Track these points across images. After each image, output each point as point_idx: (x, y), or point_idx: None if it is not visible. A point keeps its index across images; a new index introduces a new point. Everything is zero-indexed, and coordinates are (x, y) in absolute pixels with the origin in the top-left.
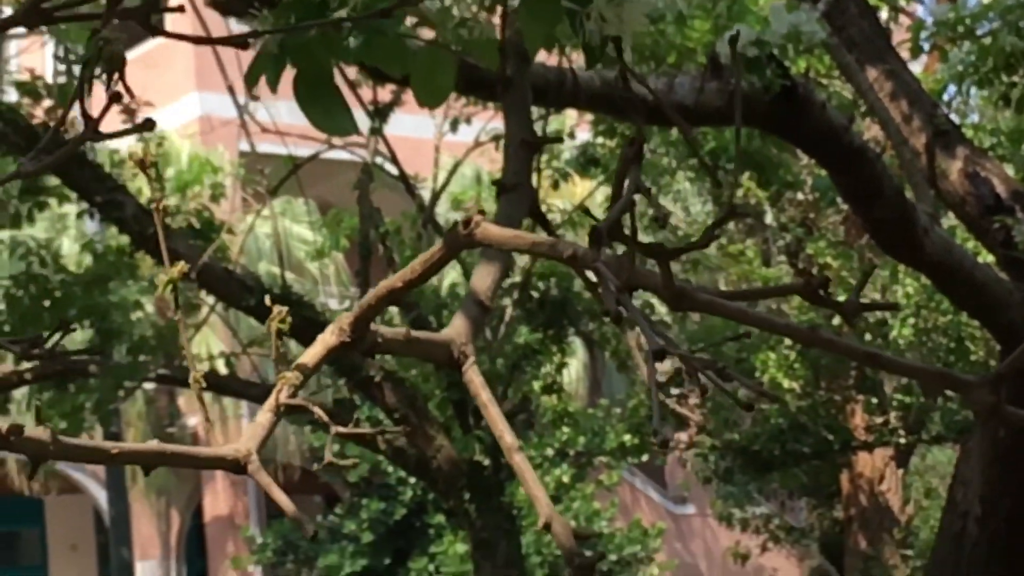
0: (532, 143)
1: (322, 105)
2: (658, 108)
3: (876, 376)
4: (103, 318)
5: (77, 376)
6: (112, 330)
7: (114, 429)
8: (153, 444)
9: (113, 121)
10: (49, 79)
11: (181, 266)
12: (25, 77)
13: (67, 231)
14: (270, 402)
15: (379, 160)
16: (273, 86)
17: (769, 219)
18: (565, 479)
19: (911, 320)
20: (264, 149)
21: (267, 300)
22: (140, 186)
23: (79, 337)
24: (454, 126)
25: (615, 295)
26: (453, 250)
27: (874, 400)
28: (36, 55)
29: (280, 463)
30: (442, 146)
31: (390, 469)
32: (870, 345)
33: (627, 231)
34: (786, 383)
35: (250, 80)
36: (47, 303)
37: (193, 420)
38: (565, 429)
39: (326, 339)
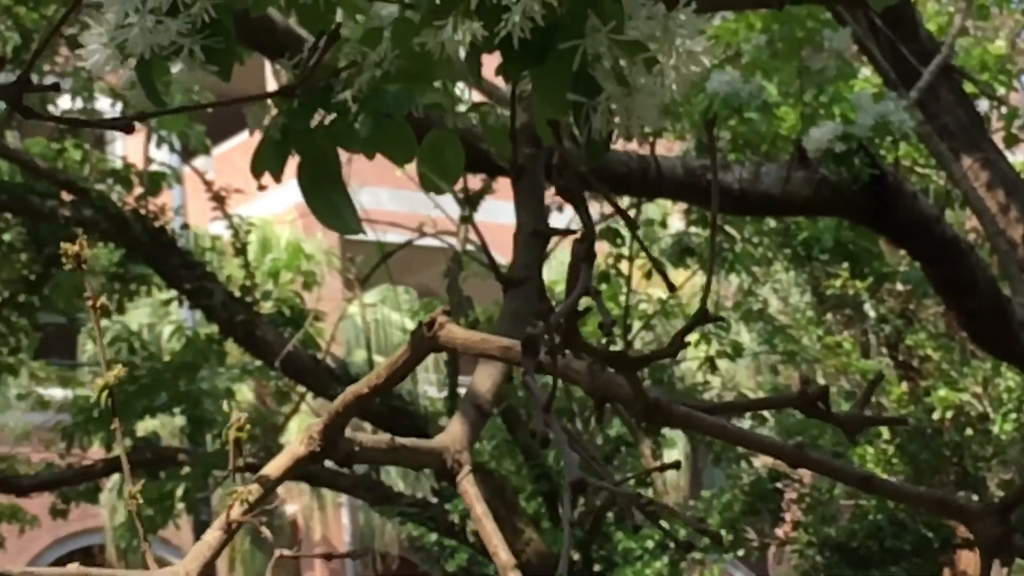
0: (544, 233)
1: (327, 199)
2: (745, 197)
3: (978, 472)
4: (194, 406)
5: (167, 464)
6: (203, 418)
7: (204, 517)
8: (73, 569)
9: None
10: (140, 166)
11: (119, 370)
12: (118, 164)
13: (169, 317)
14: (221, 520)
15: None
16: (277, 176)
17: (868, 310)
18: (665, 573)
19: (1013, 415)
20: (363, 235)
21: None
22: (230, 273)
23: (170, 424)
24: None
25: (542, 416)
26: (418, 353)
27: (976, 497)
28: (131, 142)
29: (378, 552)
30: None
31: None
32: (971, 441)
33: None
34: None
35: (255, 170)
36: (137, 389)
37: (292, 508)
38: (663, 522)
39: (294, 449)
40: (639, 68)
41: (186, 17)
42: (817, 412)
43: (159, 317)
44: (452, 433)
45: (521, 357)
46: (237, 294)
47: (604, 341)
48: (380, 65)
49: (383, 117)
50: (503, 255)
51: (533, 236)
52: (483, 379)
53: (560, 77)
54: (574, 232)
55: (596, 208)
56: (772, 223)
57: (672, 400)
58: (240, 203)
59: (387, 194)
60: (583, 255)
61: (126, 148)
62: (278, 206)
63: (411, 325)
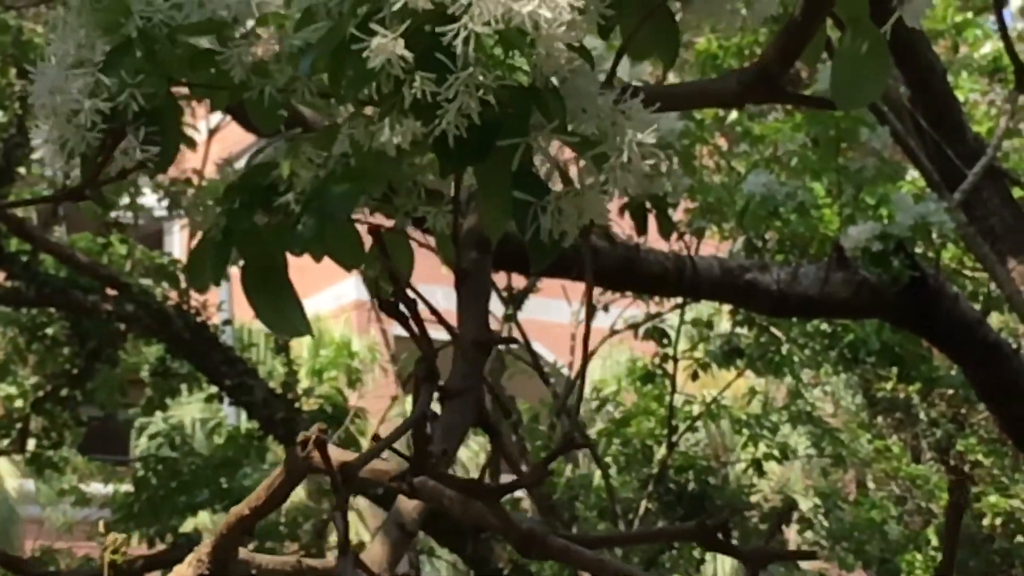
0: (487, 343)
1: (272, 301)
2: (783, 298)
3: None
4: (236, 503)
5: None
6: None
7: None
8: None
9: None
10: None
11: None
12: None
13: (220, 412)
14: None
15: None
16: (217, 279)
17: (920, 414)
18: None
19: None
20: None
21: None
22: (272, 369)
23: (211, 522)
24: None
25: (343, 556)
26: (294, 476)
27: None
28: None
29: None
30: (580, 333)
31: None
32: (1021, 548)
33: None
34: None
35: (192, 273)
36: (178, 486)
37: None
38: None
39: (181, 571)
40: (588, 165)
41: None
42: (716, 545)
43: (212, 412)
44: (372, 554)
45: (388, 481)
46: (279, 391)
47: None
48: (325, 165)
49: (327, 219)
50: (550, 350)
51: (475, 345)
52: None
53: (503, 176)
54: (516, 341)
55: (642, 307)
56: (821, 325)
57: (551, 531)
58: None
59: (441, 292)
60: (424, 375)
61: (180, 245)
62: (335, 303)
63: None
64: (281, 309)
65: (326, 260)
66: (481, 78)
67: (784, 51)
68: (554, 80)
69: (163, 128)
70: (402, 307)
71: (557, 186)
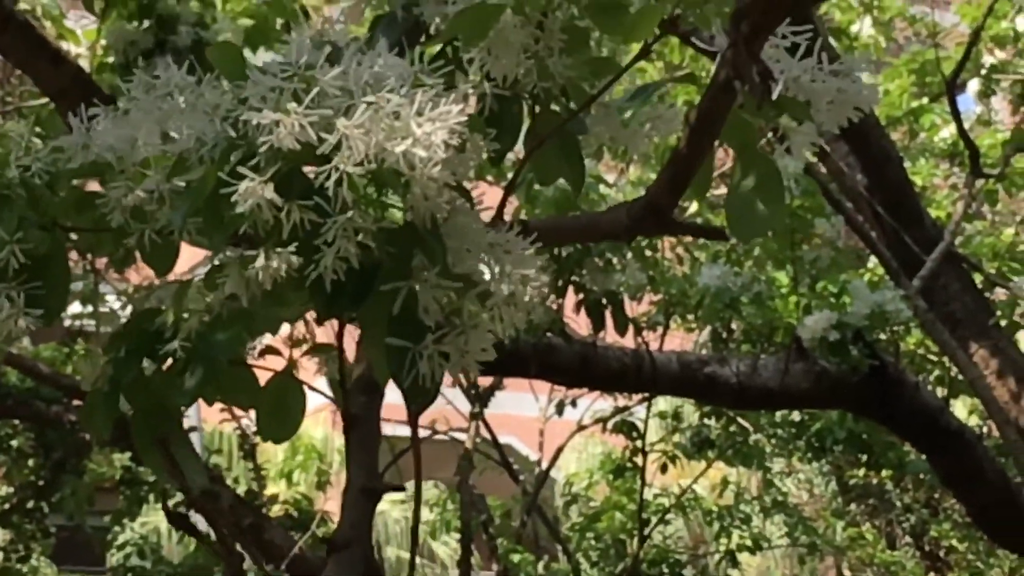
0: (375, 491)
1: (166, 451)
2: (743, 391)
3: None
4: None
5: None
6: None
7: None
8: None
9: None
10: None
11: None
12: None
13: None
14: None
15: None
16: (106, 432)
17: (894, 500)
18: None
19: None
20: (390, 431)
21: None
22: (239, 474)
23: None
24: (559, 409)
25: None
26: None
27: None
28: None
29: None
30: (548, 428)
31: None
32: None
33: None
34: None
35: (88, 427)
36: None
37: None
38: None
39: None
40: (472, 303)
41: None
42: None
43: None
44: None
45: None
46: (247, 495)
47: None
48: (209, 310)
49: (213, 364)
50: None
51: (363, 493)
52: None
53: (384, 319)
54: (401, 488)
55: (610, 402)
56: (789, 414)
57: None
58: None
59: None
60: None
61: None
62: (309, 402)
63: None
64: (175, 460)
65: (308, 363)
66: (360, 221)
67: (672, 184)
68: (441, 214)
69: (49, 277)
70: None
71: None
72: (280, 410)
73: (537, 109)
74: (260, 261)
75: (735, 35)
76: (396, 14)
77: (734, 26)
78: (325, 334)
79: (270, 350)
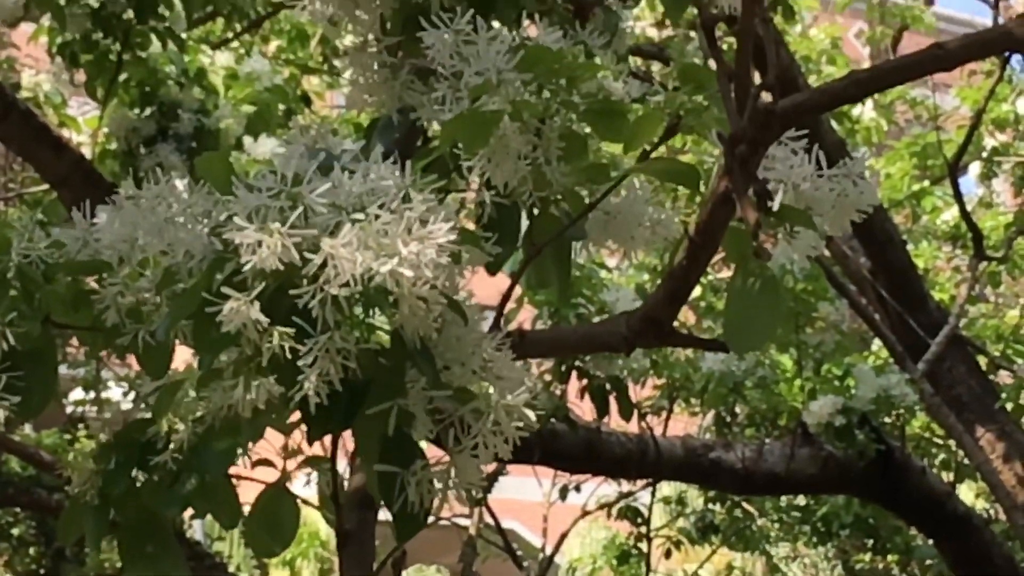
0: None
1: (155, 565)
2: (749, 476)
3: None
4: None
5: None
6: None
7: None
8: None
9: None
10: None
11: None
12: None
13: None
14: None
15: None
16: (97, 544)
17: None
18: None
19: None
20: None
21: None
22: (239, 562)
23: None
24: (563, 494)
25: None
26: None
27: None
28: None
29: None
30: (552, 513)
31: None
32: None
33: None
34: None
35: (65, 538)
36: None
37: None
38: None
39: None
40: (466, 418)
41: None
42: None
43: None
44: None
45: None
46: None
47: None
48: (201, 421)
49: (204, 477)
50: (528, 529)
51: None
52: None
53: (378, 435)
54: None
55: (615, 486)
56: (794, 499)
57: None
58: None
59: None
60: None
61: None
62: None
63: None
64: (165, 573)
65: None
66: (341, 342)
67: (671, 297)
68: (430, 332)
69: (35, 370)
70: None
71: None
72: (272, 524)
73: (535, 211)
74: (238, 391)
75: (731, 159)
76: (392, 118)
77: (730, 149)
78: (320, 444)
79: (263, 461)
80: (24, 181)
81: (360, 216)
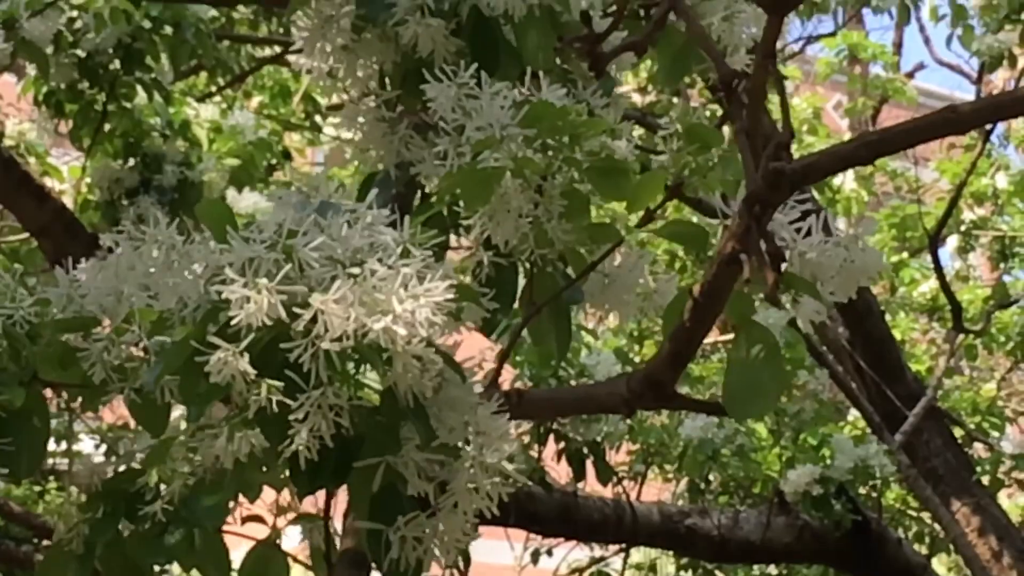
0: None
1: None
2: (724, 544)
3: None
4: None
5: None
6: None
7: None
8: None
9: None
10: None
11: None
12: None
13: None
14: None
15: None
16: None
17: None
18: None
19: None
20: None
21: None
22: None
23: None
24: (535, 558)
25: None
26: None
27: None
28: None
29: None
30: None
31: None
32: None
33: None
34: None
35: None
36: None
37: None
38: None
39: None
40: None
41: None
42: None
43: None
44: None
45: None
46: None
47: None
48: (193, 474)
49: (193, 530)
50: None
51: None
52: None
53: (368, 488)
54: None
55: (586, 551)
56: (768, 567)
57: None
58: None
59: None
60: None
61: None
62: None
63: None
64: None
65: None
66: (333, 398)
67: (673, 360)
68: (424, 390)
69: (24, 431)
70: None
71: None
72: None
73: (533, 270)
74: (221, 442)
75: (748, 217)
76: (390, 172)
77: (748, 208)
78: (312, 500)
79: (254, 517)
80: (1, 230)
81: (356, 271)
